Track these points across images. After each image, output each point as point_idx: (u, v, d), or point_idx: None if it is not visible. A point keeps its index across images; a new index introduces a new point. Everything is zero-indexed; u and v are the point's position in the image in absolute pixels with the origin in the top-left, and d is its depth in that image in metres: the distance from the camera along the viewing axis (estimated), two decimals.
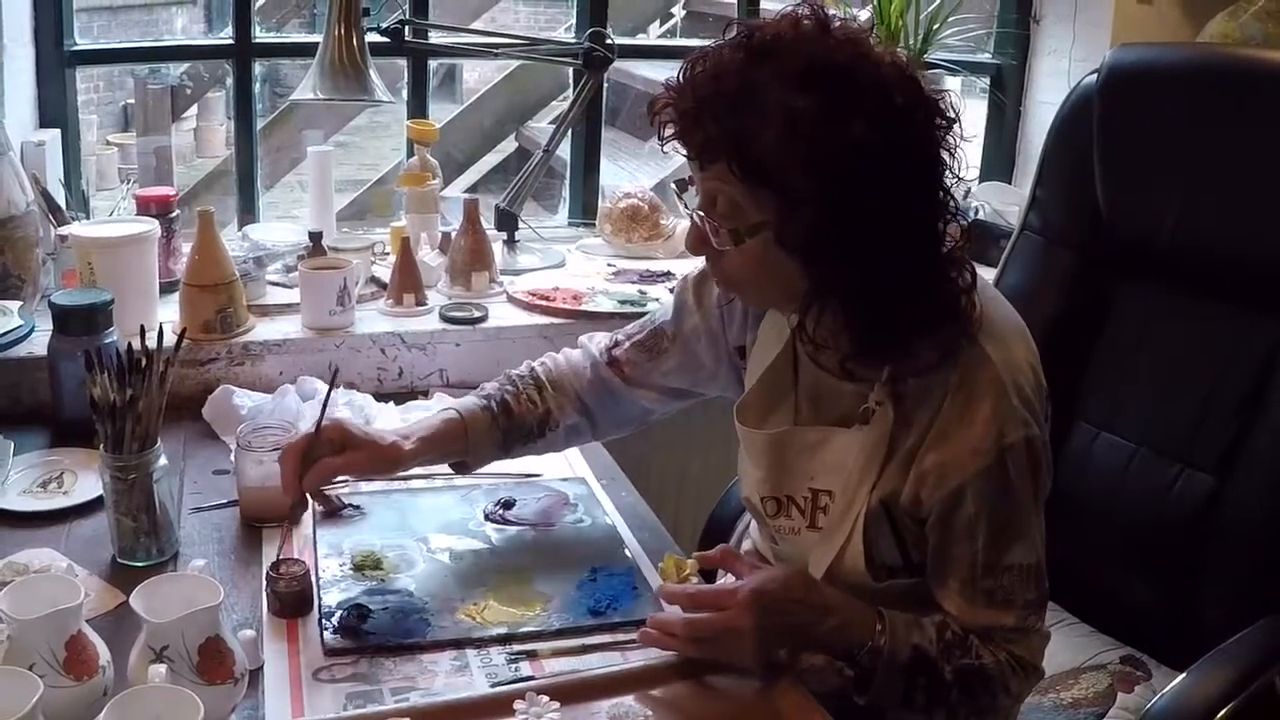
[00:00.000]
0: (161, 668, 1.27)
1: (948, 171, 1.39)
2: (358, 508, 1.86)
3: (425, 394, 2.31)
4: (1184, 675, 1.62)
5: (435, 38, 2.84)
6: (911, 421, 1.47)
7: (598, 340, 1.84)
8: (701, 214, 1.43)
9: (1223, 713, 1.55)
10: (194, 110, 8.65)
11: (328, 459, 1.64)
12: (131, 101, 8.34)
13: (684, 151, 1.42)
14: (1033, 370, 1.49)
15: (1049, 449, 1.51)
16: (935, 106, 1.38)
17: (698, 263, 1.61)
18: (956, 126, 1.40)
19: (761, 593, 1.44)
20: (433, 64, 2.96)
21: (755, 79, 1.34)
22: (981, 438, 1.42)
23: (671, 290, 1.81)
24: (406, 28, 2.65)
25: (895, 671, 1.45)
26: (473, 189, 5.84)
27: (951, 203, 1.41)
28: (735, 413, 1.63)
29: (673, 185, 1.49)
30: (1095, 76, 1.98)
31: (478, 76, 7.61)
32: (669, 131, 1.43)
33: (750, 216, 1.38)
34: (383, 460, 1.67)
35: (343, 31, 2.45)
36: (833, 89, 1.32)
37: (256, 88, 2.87)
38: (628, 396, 1.81)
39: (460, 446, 1.75)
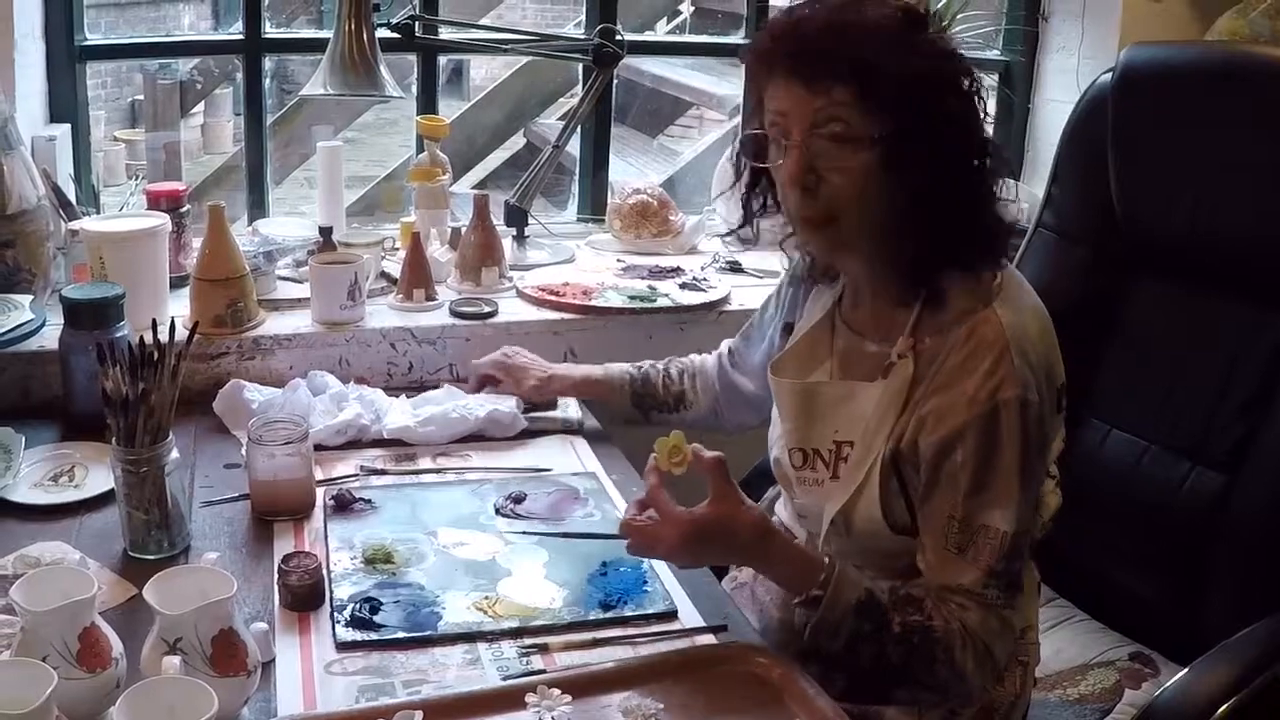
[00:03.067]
0: (175, 660, 1.27)
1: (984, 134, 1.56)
2: (369, 501, 1.87)
3: (436, 388, 2.30)
4: (1186, 670, 1.62)
5: (445, 33, 2.84)
6: (924, 375, 1.55)
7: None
8: (799, 140, 1.53)
9: (1224, 708, 1.55)
10: (201, 107, 8.66)
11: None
12: (139, 98, 8.36)
13: (804, 77, 1.51)
14: (1043, 348, 1.54)
15: (1047, 430, 1.54)
16: (974, 75, 1.54)
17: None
18: (980, 102, 1.54)
19: (702, 526, 1.51)
20: (441, 60, 2.96)
21: (860, 18, 1.50)
22: (978, 388, 1.49)
23: None
24: (416, 23, 2.66)
25: (840, 614, 1.49)
26: (482, 185, 5.82)
27: (990, 157, 1.55)
28: (770, 369, 1.74)
29: (737, 143, 1.63)
30: (1110, 75, 1.98)
31: (484, 73, 7.62)
32: (780, 68, 1.53)
33: (862, 132, 1.49)
34: (533, 380, 2.17)
35: (353, 27, 2.45)
36: (926, 30, 1.52)
37: (266, 83, 2.87)
38: (737, 381, 2.04)
39: (597, 394, 2.17)
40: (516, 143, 6.32)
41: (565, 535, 1.79)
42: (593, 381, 2.16)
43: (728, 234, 1.85)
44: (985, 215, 1.55)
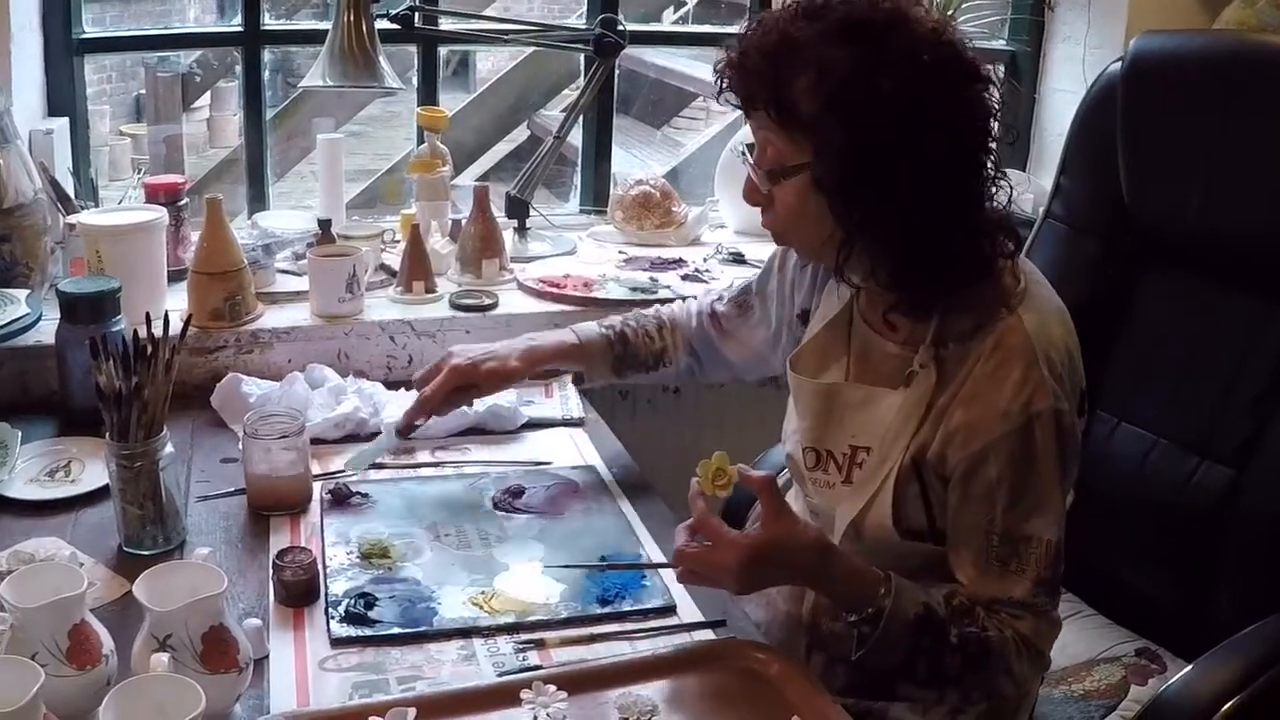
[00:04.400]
0: (164, 657, 1.26)
1: (986, 136, 1.47)
2: (366, 496, 1.85)
3: None
4: (1191, 666, 1.61)
5: (446, 24, 2.83)
6: (948, 384, 1.51)
7: (710, 294, 2.01)
8: (751, 161, 1.54)
9: (1229, 704, 1.53)
10: (206, 100, 8.65)
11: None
12: (144, 92, 8.34)
13: (735, 102, 1.52)
14: (1068, 352, 1.51)
15: (1078, 436, 1.51)
16: (972, 71, 1.45)
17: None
18: (995, 95, 1.47)
19: (760, 548, 1.45)
20: (444, 53, 2.95)
21: (796, 34, 1.44)
22: (1010, 401, 1.45)
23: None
24: (416, 14, 2.64)
25: (900, 628, 1.45)
26: (484, 177, 5.81)
27: (990, 166, 1.48)
28: (789, 363, 1.69)
29: (740, 148, 1.59)
30: (1119, 64, 1.96)
31: (490, 66, 7.59)
32: (723, 85, 1.53)
33: (789, 159, 1.47)
34: (493, 382, 1.92)
35: (352, 18, 2.43)
36: (864, 44, 1.40)
37: (267, 76, 2.85)
38: (722, 349, 1.97)
39: (575, 365, 2.02)
40: (520, 135, 6.30)
41: (611, 567, 1.69)
42: (566, 350, 1.97)
43: None
44: (952, 238, 1.47)
